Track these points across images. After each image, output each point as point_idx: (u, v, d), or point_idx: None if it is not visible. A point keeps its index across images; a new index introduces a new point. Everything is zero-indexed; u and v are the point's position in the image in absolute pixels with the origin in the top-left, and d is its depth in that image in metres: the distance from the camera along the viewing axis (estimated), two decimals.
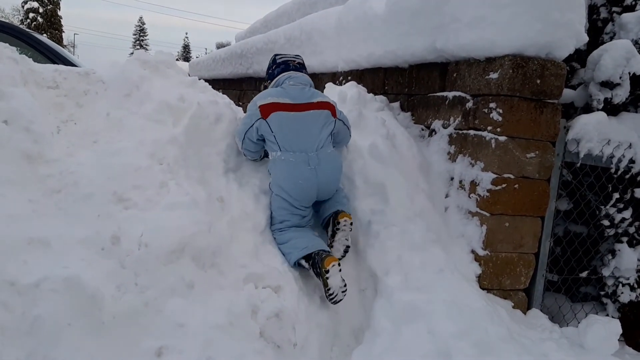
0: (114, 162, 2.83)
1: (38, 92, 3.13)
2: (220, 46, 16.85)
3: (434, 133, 3.88)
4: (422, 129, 4.07)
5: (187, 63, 22.42)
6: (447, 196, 3.65)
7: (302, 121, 3.25)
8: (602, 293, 3.83)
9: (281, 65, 3.53)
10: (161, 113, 3.14)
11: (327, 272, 2.89)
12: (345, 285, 2.97)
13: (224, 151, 3.29)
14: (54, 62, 5.31)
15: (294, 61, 3.57)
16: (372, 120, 3.85)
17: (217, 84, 11.27)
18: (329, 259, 2.92)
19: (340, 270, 2.93)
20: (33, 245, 2.35)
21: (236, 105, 3.78)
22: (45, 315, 2.15)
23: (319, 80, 5.99)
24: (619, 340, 3.13)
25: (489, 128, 3.29)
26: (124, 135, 3.01)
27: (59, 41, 40.54)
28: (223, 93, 3.81)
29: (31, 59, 3.39)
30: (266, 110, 3.23)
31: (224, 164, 3.27)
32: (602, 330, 3.06)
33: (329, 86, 4.29)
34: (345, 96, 3.99)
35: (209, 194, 2.97)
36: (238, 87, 10.52)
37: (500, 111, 3.22)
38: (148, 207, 2.72)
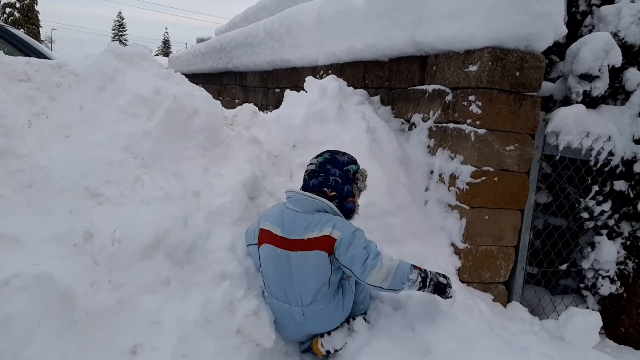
0: (86, 156, 2.76)
1: (9, 84, 3.05)
2: (200, 41, 16.70)
3: (413, 127, 3.87)
4: (402, 123, 4.05)
5: (166, 58, 22.22)
6: (426, 189, 3.64)
7: (287, 265, 2.64)
8: (582, 286, 3.84)
9: None
10: (136, 106, 3.07)
11: None
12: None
13: (201, 144, 3.21)
14: (29, 56, 5.22)
15: (306, 171, 2.85)
16: (352, 114, 3.83)
17: (197, 78, 11.17)
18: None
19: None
20: (3, 242, 2.31)
21: (215, 99, 3.70)
22: (15, 314, 2.09)
23: (300, 74, 5.95)
24: (599, 332, 3.13)
25: (469, 121, 3.28)
26: (98, 128, 2.95)
27: (36, 36, 40.05)
28: (203, 88, 3.73)
29: (2, 52, 3.31)
30: (262, 237, 2.76)
31: (201, 158, 3.20)
32: (583, 323, 3.05)
33: (309, 80, 4.25)
34: (326, 90, 3.96)
35: (184, 188, 2.91)
36: (218, 82, 10.44)
37: (480, 104, 3.21)
38: (122, 202, 2.66)
